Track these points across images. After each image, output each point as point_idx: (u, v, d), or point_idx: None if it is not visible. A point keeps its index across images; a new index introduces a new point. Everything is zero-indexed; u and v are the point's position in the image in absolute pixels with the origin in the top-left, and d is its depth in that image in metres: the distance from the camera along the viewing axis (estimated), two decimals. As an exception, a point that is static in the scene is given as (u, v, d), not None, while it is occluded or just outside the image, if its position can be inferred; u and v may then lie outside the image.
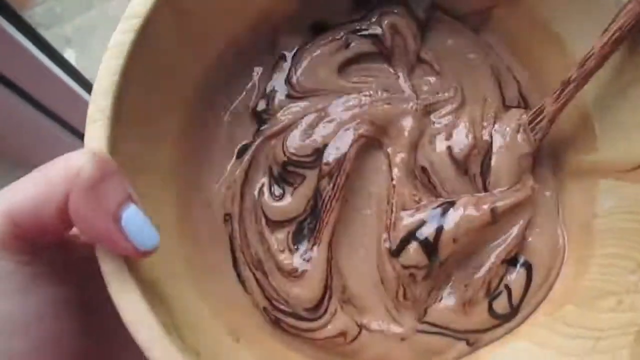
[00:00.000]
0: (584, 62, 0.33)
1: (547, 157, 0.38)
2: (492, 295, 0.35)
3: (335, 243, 0.35)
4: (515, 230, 0.35)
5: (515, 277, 0.35)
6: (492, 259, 0.35)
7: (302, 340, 0.35)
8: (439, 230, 0.34)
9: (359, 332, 0.34)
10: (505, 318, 0.35)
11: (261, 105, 0.37)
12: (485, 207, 0.34)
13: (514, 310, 0.35)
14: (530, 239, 0.36)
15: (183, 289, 0.32)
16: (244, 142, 0.37)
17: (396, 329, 0.35)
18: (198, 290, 0.33)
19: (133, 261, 0.27)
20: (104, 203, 0.25)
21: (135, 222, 0.25)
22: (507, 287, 0.35)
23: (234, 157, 0.37)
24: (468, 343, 0.35)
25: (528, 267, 0.36)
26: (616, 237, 0.33)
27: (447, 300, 0.35)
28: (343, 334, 0.34)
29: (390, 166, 0.36)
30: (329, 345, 0.34)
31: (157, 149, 0.33)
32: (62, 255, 0.29)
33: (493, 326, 0.35)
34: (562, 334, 0.33)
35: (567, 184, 0.37)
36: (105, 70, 0.28)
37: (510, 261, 0.36)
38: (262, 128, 0.37)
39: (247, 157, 0.36)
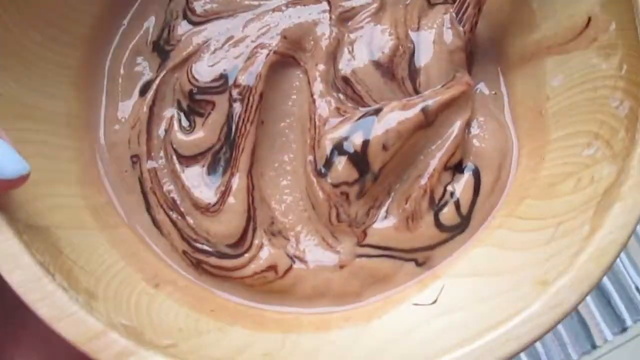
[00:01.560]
0: None
1: (488, 49, 0.35)
2: (437, 206, 0.32)
3: (257, 171, 0.32)
4: (454, 131, 0.32)
5: (462, 184, 0.32)
6: (433, 164, 0.31)
7: (229, 281, 0.32)
8: (367, 139, 0.30)
9: (292, 265, 0.31)
10: (454, 229, 0.32)
11: (162, 37, 0.34)
12: (416, 107, 0.31)
13: (465, 220, 0.32)
14: (474, 140, 0.33)
15: (88, 237, 0.30)
16: (146, 78, 0.34)
17: (333, 256, 0.31)
18: (108, 238, 0.30)
19: (8, 203, 0.25)
20: None
21: None
22: (453, 195, 0.32)
23: (137, 94, 0.34)
24: (417, 263, 0.31)
25: (475, 171, 0.32)
26: (570, 114, 0.30)
27: (388, 217, 0.32)
28: (273, 267, 0.31)
29: (309, 82, 0.33)
30: (259, 283, 0.31)
31: (48, 90, 0.31)
32: None
33: (443, 240, 0.32)
34: (521, 230, 0.30)
35: (514, 73, 0.34)
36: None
37: (456, 168, 0.32)
38: (165, 60, 0.34)
39: (150, 92, 0.33)
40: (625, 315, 0.42)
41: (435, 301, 0.30)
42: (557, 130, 0.31)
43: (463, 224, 0.32)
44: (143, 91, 0.34)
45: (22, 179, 0.24)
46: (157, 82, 0.34)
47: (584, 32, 0.30)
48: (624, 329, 0.41)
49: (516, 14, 0.34)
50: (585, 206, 0.27)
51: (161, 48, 0.35)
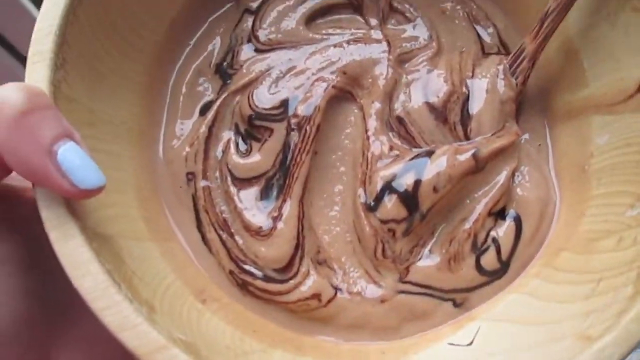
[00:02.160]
0: (561, -7, 0.31)
1: (535, 101, 0.36)
2: (479, 250, 0.33)
3: (307, 200, 0.33)
4: (501, 179, 0.33)
5: (504, 230, 0.33)
6: (478, 210, 0.33)
7: (272, 304, 0.33)
8: (418, 179, 0.31)
9: (335, 294, 0.32)
10: (494, 274, 0.33)
11: (225, 60, 0.36)
12: (468, 153, 0.32)
13: (504, 266, 0.33)
14: (518, 189, 0.34)
15: (144, 249, 0.31)
16: (207, 99, 0.35)
17: (376, 290, 0.32)
18: (160, 251, 0.31)
19: (79, 210, 0.26)
20: (37, 136, 0.23)
21: (74, 159, 0.23)
22: (495, 240, 0.33)
23: (197, 113, 0.35)
24: (455, 303, 0.32)
25: (517, 219, 0.33)
26: (613, 174, 0.32)
27: (431, 257, 0.33)
28: (317, 295, 0.32)
29: (364, 118, 0.34)
30: (302, 309, 0.32)
31: (115, 101, 0.32)
32: (3, 210, 0.27)
33: (482, 284, 0.33)
34: (559, 282, 0.31)
35: (560, 127, 0.36)
36: (50, 3, 0.26)
37: (499, 214, 0.34)
38: (227, 83, 0.35)
39: (211, 113, 0.35)
40: None
41: (471, 342, 0.31)
42: (599, 187, 0.32)
43: (502, 270, 0.33)
44: (203, 111, 0.35)
45: (99, 190, 0.25)
46: (217, 103, 0.35)
47: (634, 96, 0.32)
48: None
49: (566, 70, 0.35)
50: (627, 267, 0.28)
51: (224, 71, 0.36)
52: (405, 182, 0.32)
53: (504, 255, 0.33)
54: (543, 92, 0.37)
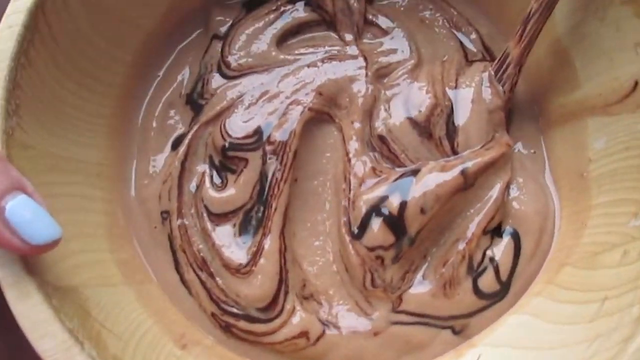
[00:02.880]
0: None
1: (527, 107, 0.35)
2: (475, 272, 0.31)
3: (289, 231, 0.32)
4: (494, 194, 0.31)
5: (502, 248, 0.31)
6: (472, 229, 0.31)
7: (258, 346, 0.31)
8: (404, 201, 0.30)
9: (324, 331, 0.30)
10: (494, 297, 0.31)
11: (195, 90, 0.34)
12: (455, 169, 0.30)
13: (504, 287, 0.31)
14: (513, 203, 0.32)
15: (117, 294, 0.29)
16: (179, 132, 0.34)
17: (367, 322, 0.31)
18: (136, 295, 0.30)
19: (39, 265, 0.25)
20: None
21: (24, 213, 0.22)
22: (492, 260, 0.31)
23: (169, 148, 0.34)
24: (454, 331, 0.30)
25: (515, 235, 0.32)
26: (613, 180, 0.30)
27: (424, 283, 0.31)
28: (305, 334, 0.30)
29: (344, 140, 0.33)
30: (290, 349, 0.30)
31: (79, 143, 0.31)
32: None
33: (481, 308, 0.31)
34: (562, 300, 0.29)
35: (554, 132, 0.34)
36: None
37: (494, 232, 0.32)
38: (198, 114, 0.34)
39: (183, 147, 0.33)
40: None
41: None
42: (599, 196, 0.30)
43: (502, 291, 0.31)
44: (175, 145, 0.34)
45: (54, 244, 0.23)
46: (189, 136, 0.34)
47: (630, 95, 0.30)
48: None
49: (557, 72, 0.34)
50: (632, 284, 0.26)
51: (194, 101, 0.35)
52: (391, 204, 0.30)
53: (503, 275, 0.31)
54: (534, 97, 0.35)
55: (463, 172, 0.31)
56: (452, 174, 0.31)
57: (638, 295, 0.25)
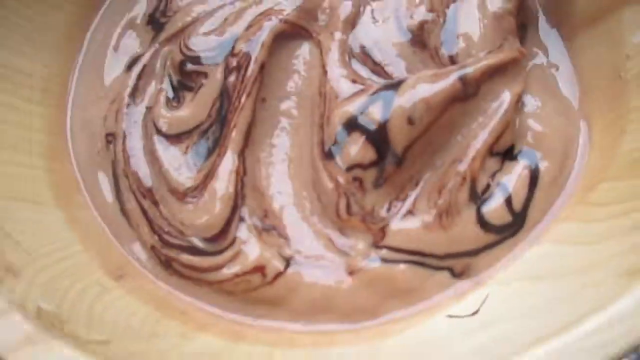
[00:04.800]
0: None
1: (543, 15, 0.29)
2: (480, 199, 0.25)
3: (252, 154, 0.27)
4: (503, 105, 0.26)
5: (515, 174, 0.25)
6: (474, 147, 0.25)
7: (203, 285, 0.25)
8: (387, 110, 0.24)
9: (285, 268, 0.24)
10: (504, 230, 0.25)
11: (159, 9, 0.31)
12: (452, 74, 0.25)
13: (518, 219, 0.25)
14: (530, 121, 0.26)
15: (44, 214, 0.26)
16: (136, 53, 0.30)
17: (340, 259, 0.24)
18: (69, 218, 0.27)
19: None
20: None
21: None
22: (501, 186, 0.25)
23: (123, 69, 0.30)
24: (453, 273, 0.24)
25: (531, 157, 0.26)
26: None
27: (415, 213, 0.25)
28: (260, 269, 0.24)
29: (321, 54, 0.28)
30: (241, 289, 0.25)
31: (24, 54, 0.29)
32: None
33: (489, 244, 0.24)
34: (596, 220, 0.24)
35: (583, 36, 0.29)
36: None
37: (506, 155, 0.26)
38: (159, 33, 0.30)
39: (137, 66, 0.30)
40: None
41: (476, 311, 0.23)
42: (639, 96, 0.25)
43: (516, 224, 0.25)
44: (130, 65, 0.31)
45: None
46: (146, 56, 0.31)
47: None
48: None
49: None
50: None
51: (156, 20, 0.32)
52: (371, 115, 0.25)
53: (517, 204, 0.25)
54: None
55: (462, 78, 0.26)
56: (447, 81, 0.26)
57: None
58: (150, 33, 0.32)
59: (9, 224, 0.24)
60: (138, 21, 0.32)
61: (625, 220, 0.22)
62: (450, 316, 0.24)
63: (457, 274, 0.25)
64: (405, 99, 0.26)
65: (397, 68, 0.28)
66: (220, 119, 0.28)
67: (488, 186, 0.26)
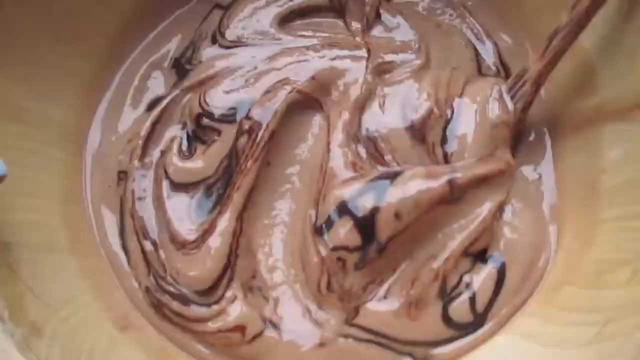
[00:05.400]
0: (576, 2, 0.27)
1: (536, 124, 0.32)
2: (448, 296, 0.28)
3: (250, 216, 0.30)
4: (483, 213, 0.28)
5: (482, 276, 0.28)
6: (451, 247, 0.28)
7: (189, 334, 0.28)
8: (378, 202, 0.27)
9: (263, 330, 0.27)
10: (465, 328, 0.27)
11: (185, 55, 0.33)
12: (442, 177, 0.27)
13: (479, 319, 0.28)
14: (505, 229, 0.29)
15: (57, 262, 0.28)
16: (158, 94, 0.32)
17: (315, 330, 0.27)
18: (80, 266, 0.29)
19: None
20: None
21: None
22: (469, 287, 0.27)
23: (144, 109, 0.32)
24: (414, 358, 0.27)
25: (501, 264, 0.28)
26: (628, 192, 0.27)
27: (388, 299, 0.28)
28: (240, 328, 0.27)
29: (329, 130, 0.30)
30: (222, 342, 0.28)
31: (48, 98, 0.31)
32: None
33: (448, 339, 0.27)
34: (559, 322, 0.26)
35: (566, 141, 0.31)
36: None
37: (478, 257, 0.28)
38: (182, 79, 0.32)
39: (158, 109, 0.32)
40: None
41: None
42: (611, 209, 0.28)
43: (476, 323, 0.28)
44: (151, 106, 0.33)
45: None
46: (167, 99, 0.33)
47: None
48: None
49: (575, 74, 0.31)
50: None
51: (181, 66, 0.34)
52: (363, 203, 0.28)
53: (480, 305, 0.28)
54: (547, 104, 0.32)
55: (450, 182, 0.28)
56: (438, 182, 0.28)
57: None
58: (174, 77, 0.34)
59: (27, 276, 0.26)
60: (165, 64, 0.34)
61: (585, 331, 0.24)
62: None
63: (417, 360, 0.28)
64: (396, 194, 0.28)
65: (395, 158, 0.31)
66: (226, 177, 0.30)
67: (457, 284, 0.29)
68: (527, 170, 0.32)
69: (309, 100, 0.32)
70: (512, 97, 0.31)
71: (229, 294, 0.28)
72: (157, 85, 0.34)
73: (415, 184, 0.28)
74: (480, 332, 0.28)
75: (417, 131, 0.31)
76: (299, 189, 0.31)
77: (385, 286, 0.29)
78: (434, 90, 0.32)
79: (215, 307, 0.28)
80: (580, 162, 0.30)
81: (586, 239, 0.28)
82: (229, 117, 0.31)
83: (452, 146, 0.31)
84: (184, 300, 0.28)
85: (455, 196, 0.29)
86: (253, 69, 0.33)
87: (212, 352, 0.28)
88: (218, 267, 0.29)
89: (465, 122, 0.31)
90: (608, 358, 0.22)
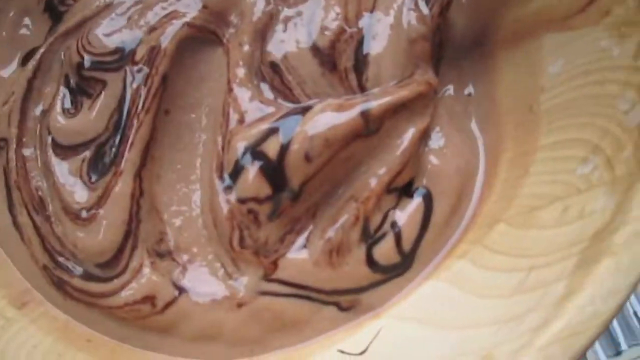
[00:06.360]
0: None
1: (465, 36, 0.29)
2: (372, 238, 0.26)
3: (150, 173, 0.27)
4: (404, 142, 0.25)
5: (408, 212, 0.26)
6: (371, 184, 0.25)
7: (96, 310, 0.26)
8: (285, 144, 0.24)
9: (176, 297, 0.25)
10: (392, 270, 0.26)
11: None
12: (354, 109, 0.24)
13: (406, 259, 0.26)
14: (431, 157, 0.27)
15: None
16: (31, 45, 0.28)
17: (231, 290, 0.25)
18: None
19: None
20: None
21: None
22: (394, 225, 0.25)
23: (17, 64, 0.28)
24: (340, 307, 0.25)
25: (427, 197, 0.26)
26: (567, 114, 0.25)
27: (308, 248, 0.26)
28: (150, 298, 0.25)
29: (228, 65, 0.27)
30: (132, 316, 0.26)
31: None
32: None
33: (375, 282, 0.25)
34: (488, 267, 0.25)
35: (501, 60, 0.28)
36: None
37: (404, 191, 0.26)
38: (57, 24, 0.28)
39: (33, 62, 0.28)
40: (621, 339, 0.42)
41: (364, 350, 0.25)
42: (549, 135, 0.26)
43: (404, 264, 0.26)
44: (25, 60, 0.29)
45: None
46: (42, 50, 0.29)
47: (594, 1, 0.24)
48: (618, 353, 0.41)
49: None
50: (566, 251, 0.22)
51: (54, 8, 0.30)
52: (269, 147, 0.25)
53: (406, 244, 0.26)
54: (477, 12, 0.29)
55: (364, 113, 0.25)
56: (349, 115, 0.25)
57: (568, 268, 0.21)
58: (48, 22, 0.30)
59: None
60: (36, 8, 0.30)
61: (508, 279, 0.23)
62: (341, 351, 0.26)
63: (344, 309, 0.26)
64: (304, 134, 0.25)
65: (305, 90, 0.28)
66: (118, 133, 0.27)
67: (382, 223, 0.27)
68: (455, 90, 0.29)
69: (204, 34, 0.28)
70: (426, 2, 0.27)
71: (133, 263, 0.26)
72: (31, 34, 0.30)
73: (325, 119, 0.25)
74: (407, 275, 0.26)
75: (327, 56, 0.28)
76: (206, 136, 0.29)
77: (304, 234, 0.27)
78: (342, 7, 0.28)
79: (120, 279, 0.26)
80: (516, 80, 0.27)
81: (521, 169, 0.26)
82: (113, 64, 0.28)
83: (366, 71, 0.27)
84: (86, 276, 0.26)
85: (371, 129, 0.26)
86: (135, 4, 0.29)
87: (123, 326, 0.26)
88: (118, 235, 0.26)
89: (379, 40, 0.28)
90: (526, 314, 0.21)
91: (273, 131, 0.26)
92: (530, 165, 0.26)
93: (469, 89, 0.29)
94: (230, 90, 0.28)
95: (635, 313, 0.41)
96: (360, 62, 0.27)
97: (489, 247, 0.26)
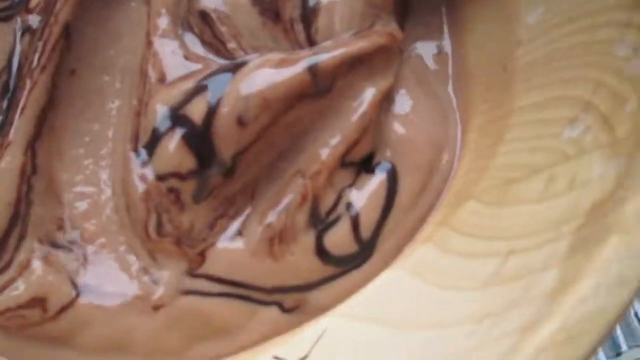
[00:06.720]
0: None
1: None
2: (323, 223, 0.20)
3: (49, 146, 0.22)
4: (362, 106, 0.20)
5: (368, 191, 0.21)
6: (322, 157, 0.20)
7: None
8: (213, 106, 0.19)
9: (75, 298, 0.20)
10: (347, 262, 0.21)
11: None
12: (299, 63, 0.19)
13: (365, 248, 0.21)
14: (395, 124, 0.22)
15: None
16: None
17: (146, 289, 0.20)
18: None
19: None
20: None
21: None
22: (350, 207, 0.20)
23: None
24: (283, 308, 0.20)
25: (391, 172, 0.21)
26: (547, 70, 0.21)
27: (243, 235, 0.21)
28: (40, 302, 0.20)
29: (149, 16, 0.22)
30: (17, 324, 0.20)
31: None
32: None
33: (327, 278, 0.20)
34: (454, 252, 0.20)
35: (473, 11, 0.24)
36: None
37: (364, 165, 0.21)
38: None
39: None
40: (621, 340, 0.40)
41: (305, 356, 0.20)
42: (527, 95, 0.21)
43: (362, 255, 0.21)
44: None
45: None
46: None
47: None
48: (618, 354, 0.39)
49: None
50: (554, 231, 0.18)
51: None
52: (193, 110, 0.20)
53: (365, 231, 0.21)
54: None
55: (311, 68, 0.20)
56: (293, 70, 0.20)
57: (559, 252, 0.17)
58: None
59: None
60: None
61: (482, 266, 0.18)
62: (276, 358, 0.21)
63: (287, 310, 0.21)
64: (237, 93, 0.20)
65: (241, 44, 0.23)
66: (6, 97, 0.22)
67: (335, 205, 0.22)
68: (423, 46, 0.25)
69: (119, -22, 0.23)
70: None
71: (20, 256, 0.21)
72: None
73: (263, 76, 0.21)
74: (366, 268, 0.21)
75: (268, 4, 0.23)
76: (119, 103, 0.23)
77: (239, 219, 0.22)
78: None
79: (2, 277, 0.21)
80: (490, 34, 0.23)
81: (494, 136, 0.22)
82: (1, 13, 0.23)
83: (316, 21, 0.23)
84: (-41, 273, 0.21)
85: (321, 87, 0.21)
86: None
87: (6, 336, 0.21)
88: (1, 221, 0.21)
89: (332, -15, 0.23)
90: (507, 311, 0.16)
91: (199, 90, 0.21)
92: (505, 131, 0.22)
93: (438, 48, 0.24)
94: (150, 44, 0.23)
95: (635, 314, 0.39)
96: (309, 10, 0.23)
97: (456, 228, 0.21)
